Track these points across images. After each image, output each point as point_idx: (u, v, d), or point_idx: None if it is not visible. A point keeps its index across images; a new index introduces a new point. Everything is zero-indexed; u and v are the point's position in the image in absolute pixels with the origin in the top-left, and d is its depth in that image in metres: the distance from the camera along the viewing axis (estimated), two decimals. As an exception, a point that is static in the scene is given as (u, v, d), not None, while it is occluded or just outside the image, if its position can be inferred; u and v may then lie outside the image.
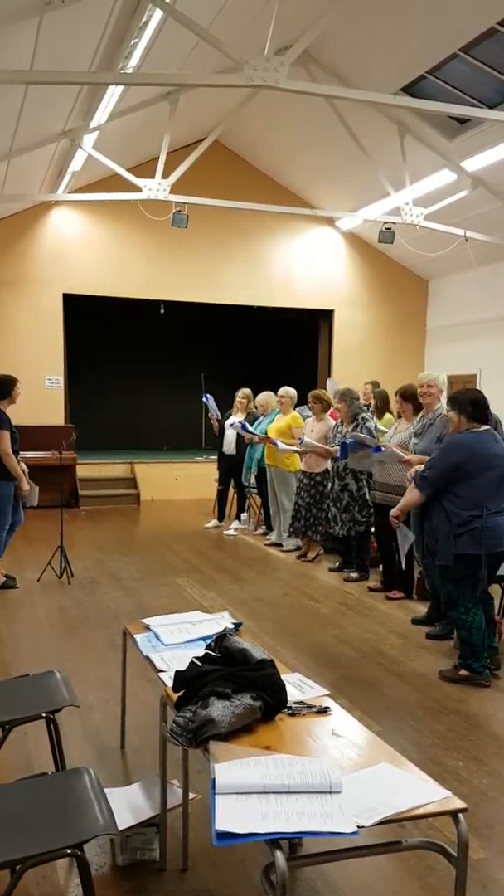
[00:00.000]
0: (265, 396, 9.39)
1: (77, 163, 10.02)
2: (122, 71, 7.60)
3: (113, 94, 8.02)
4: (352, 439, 7.02)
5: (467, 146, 9.58)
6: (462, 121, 9.46)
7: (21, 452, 6.81)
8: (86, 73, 7.44)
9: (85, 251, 12.34)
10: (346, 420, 7.37)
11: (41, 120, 8.53)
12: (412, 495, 4.86)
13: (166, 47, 7.60)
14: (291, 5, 6.54)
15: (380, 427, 7.47)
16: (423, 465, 4.86)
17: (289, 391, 8.76)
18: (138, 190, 9.39)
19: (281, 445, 8.30)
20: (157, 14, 6.71)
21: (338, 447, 7.29)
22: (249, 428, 8.90)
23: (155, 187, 9.35)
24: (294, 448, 8.22)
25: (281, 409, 8.79)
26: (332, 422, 7.95)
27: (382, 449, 6.16)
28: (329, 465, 7.77)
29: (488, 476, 4.49)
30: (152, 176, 9.33)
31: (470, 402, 4.65)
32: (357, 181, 11.38)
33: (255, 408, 9.57)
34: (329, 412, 8.10)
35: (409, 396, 6.43)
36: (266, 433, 8.67)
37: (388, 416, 8.09)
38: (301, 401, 8.79)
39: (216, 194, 10.36)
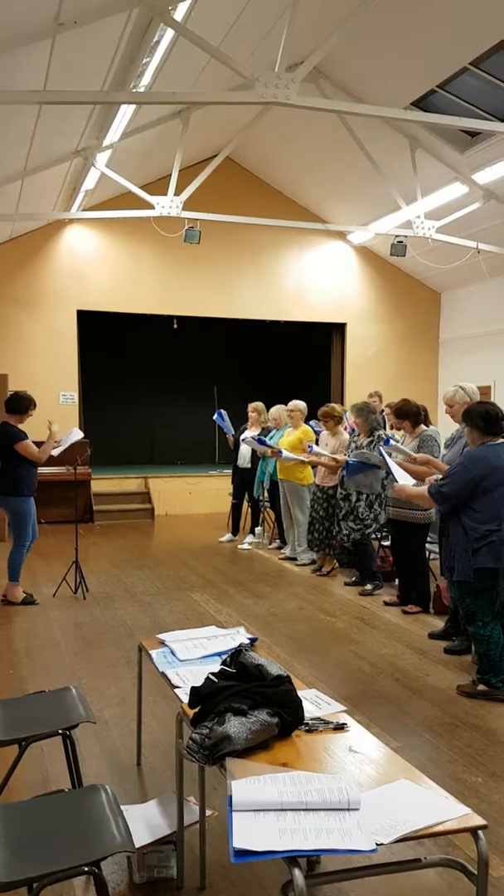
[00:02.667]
0: (277, 410, 9.40)
1: (90, 181, 10.11)
2: (134, 90, 7.68)
3: (125, 112, 8.11)
4: (355, 460, 7.01)
5: (478, 159, 9.60)
6: (473, 134, 9.49)
7: (37, 468, 6.89)
8: (98, 92, 7.52)
9: (99, 268, 12.44)
10: (364, 433, 7.34)
11: (55, 139, 8.63)
12: (422, 497, 4.83)
13: (178, 65, 7.68)
14: (302, 22, 6.59)
15: (397, 438, 7.45)
16: (437, 474, 4.84)
17: (298, 404, 8.76)
18: (151, 207, 9.47)
19: (285, 454, 8.30)
20: (169, 33, 6.79)
21: (347, 460, 7.29)
22: (265, 440, 8.89)
23: (168, 204, 9.43)
24: (300, 457, 8.20)
25: (291, 422, 8.79)
26: (346, 436, 7.95)
27: (392, 469, 5.90)
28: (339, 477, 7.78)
29: None
30: (165, 193, 9.41)
31: (481, 417, 4.62)
32: (368, 195, 11.42)
33: (268, 421, 9.58)
34: (343, 425, 8.10)
35: (402, 414, 6.45)
36: (278, 446, 8.67)
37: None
38: (311, 416, 8.79)
39: (228, 210, 10.43)
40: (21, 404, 6.83)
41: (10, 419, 6.81)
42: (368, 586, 7.29)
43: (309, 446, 7.99)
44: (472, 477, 4.47)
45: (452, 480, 4.56)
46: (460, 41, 8.04)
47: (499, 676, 4.61)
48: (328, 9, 7.47)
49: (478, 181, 9.93)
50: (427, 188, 10.08)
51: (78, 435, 7.22)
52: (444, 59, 8.44)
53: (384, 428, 7.78)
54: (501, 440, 4.63)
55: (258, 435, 9.17)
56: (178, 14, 6.53)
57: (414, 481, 5.31)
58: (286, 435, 8.81)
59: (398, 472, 5.36)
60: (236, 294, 13.13)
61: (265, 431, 9.36)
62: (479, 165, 9.66)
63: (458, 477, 4.54)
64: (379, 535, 7.66)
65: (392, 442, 7.08)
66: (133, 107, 7.97)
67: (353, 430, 7.78)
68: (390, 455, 6.13)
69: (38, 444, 6.89)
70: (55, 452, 6.92)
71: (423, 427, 6.42)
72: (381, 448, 6.10)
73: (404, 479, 5.26)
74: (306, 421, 8.79)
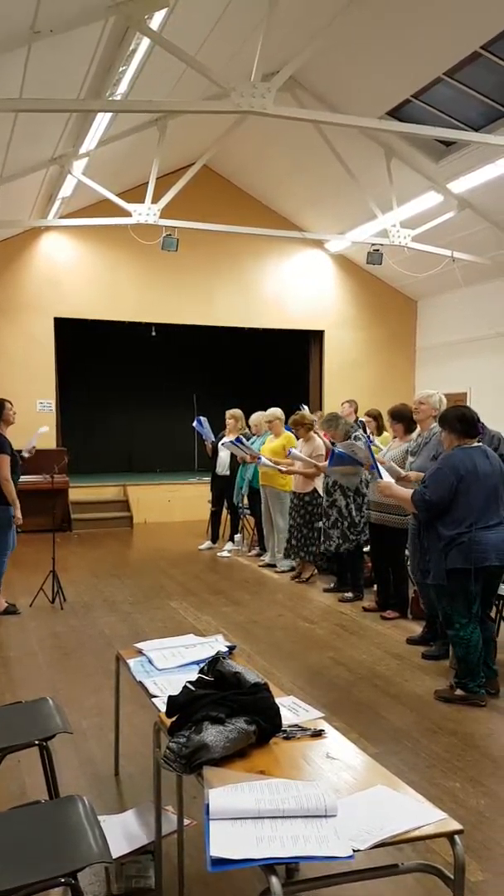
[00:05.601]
0: (258, 417, 9.42)
1: (67, 189, 10.09)
2: (110, 98, 7.69)
3: (102, 120, 8.10)
4: (342, 450, 6.99)
5: (453, 168, 9.70)
6: (447, 143, 9.59)
7: (19, 475, 6.84)
8: (75, 100, 7.52)
9: (76, 276, 12.40)
10: (340, 441, 7.35)
11: (31, 147, 8.61)
12: (405, 500, 4.84)
13: (154, 74, 7.69)
14: (278, 32, 6.65)
15: (377, 443, 7.47)
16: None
17: (276, 412, 8.79)
18: (128, 215, 9.47)
19: (263, 460, 8.32)
20: (145, 42, 6.80)
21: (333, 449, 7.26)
22: (245, 441, 8.87)
23: (145, 212, 9.43)
24: (277, 467, 8.21)
25: (272, 430, 8.80)
26: (319, 441, 7.97)
27: (379, 467, 5.92)
28: (319, 483, 7.78)
29: (477, 492, 4.50)
30: (142, 201, 9.41)
31: (458, 419, 4.67)
32: (345, 204, 11.50)
33: (245, 428, 9.58)
34: (323, 433, 8.12)
35: (399, 416, 6.45)
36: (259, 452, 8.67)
37: (385, 434, 8.11)
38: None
39: (206, 218, 10.45)
40: None
41: None
42: (348, 594, 7.31)
43: (289, 451, 8.00)
44: (451, 483, 4.50)
45: (434, 487, 4.56)
46: (435, 51, 8.13)
47: (476, 681, 4.63)
48: (304, 19, 7.53)
49: (452, 190, 10.03)
50: (402, 197, 10.17)
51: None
52: (418, 69, 8.53)
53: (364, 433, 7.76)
54: (476, 443, 4.68)
55: (234, 440, 9.17)
56: (155, 23, 6.54)
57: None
58: (268, 442, 8.82)
59: (383, 471, 5.37)
60: (215, 301, 13.14)
61: (245, 438, 9.36)
62: (453, 175, 9.75)
63: (439, 483, 4.55)
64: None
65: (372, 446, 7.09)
66: (110, 115, 7.97)
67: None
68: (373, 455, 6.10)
69: (19, 451, 6.86)
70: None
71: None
72: (370, 444, 6.04)
73: (389, 478, 5.28)
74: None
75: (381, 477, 5.24)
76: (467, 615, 4.59)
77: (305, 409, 8.86)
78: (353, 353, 14.12)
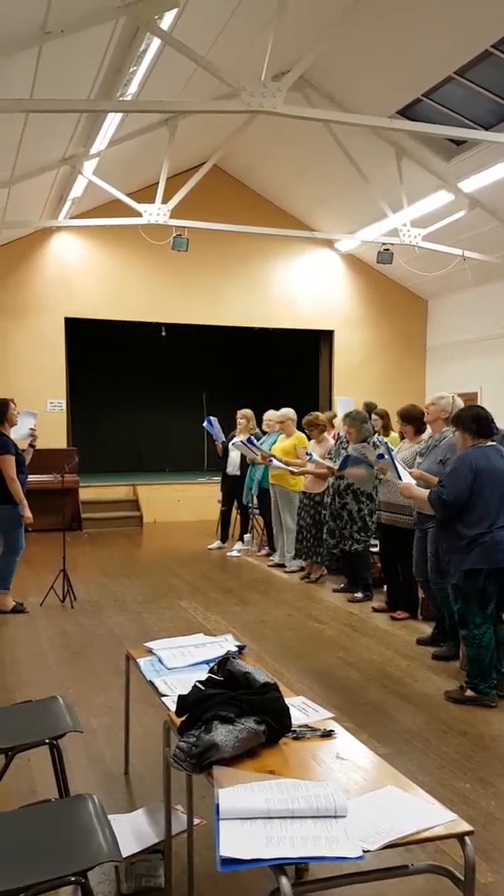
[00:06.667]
0: (270, 415, 9.39)
1: (78, 189, 10.12)
2: (121, 98, 7.70)
3: (112, 121, 8.12)
4: (354, 453, 6.98)
5: (464, 167, 9.67)
6: (458, 142, 9.55)
7: (27, 475, 6.86)
8: (85, 100, 7.54)
9: (86, 276, 12.43)
10: (354, 442, 7.30)
11: (42, 147, 8.63)
12: (422, 500, 4.80)
13: (164, 74, 7.70)
14: (288, 32, 6.64)
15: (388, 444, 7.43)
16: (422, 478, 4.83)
17: (287, 412, 8.78)
18: (138, 215, 9.48)
19: (275, 462, 8.31)
20: (155, 42, 6.80)
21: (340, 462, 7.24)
22: (255, 441, 8.87)
23: (155, 212, 9.44)
24: (288, 468, 8.20)
25: (283, 430, 8.79)
26: (332, 442, 7.97)
27: (399, 470, 5.76)
28: (329, 483, 7.77)
29: (493, 490, 4.48)
30: (152, 201, 9.42)
31: (473, 419, 4.66)
32: (355, 203, 11.48)
33: (255, 429, 9.58)
34: (331, 433, 8.11)
35: (409, 418, 6.41)
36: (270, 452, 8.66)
37: (392, 434, 8.09)
38: (297, 424, 8.78)
39: (216, 218, 10.45)
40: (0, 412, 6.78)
41: (1, 428, 6.76)
42: (358, 594, 7.29)
43: (308, 454, 7.94)
44: (469, 482, 4.47)
45: (451, 486, 4.51)
46: (445, 50, 8.10)
47: (487, 682, 4.62)
48: (314, 18, 7.52)
49: (463, 189, 10.00)
50: (413, 196, 10.14)
51: (30, 417, 7.08)
52: (429, 68, 8.50)
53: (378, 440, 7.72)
54: (491, 442, 4.66)
55: (245, 440, 9.16)
56: (165, 23, 6.55)
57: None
58: (279, 441, 8.81)
59: (403, 473, 5.31)
60: (224, 301, 13.15)
61: (255, 437, 9.36)
62: (464, 174, 9.72)
63: (456, 482, 4.51)
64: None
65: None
66: (120, 115, 7.99)
67: (340, 436, 7.78)
68: (388, 482, 6.07)
69: (24, 450, 6.89)
70: (14, 436, 6.81)
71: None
72: (386, 449, 5.96)
73: (408, 479, 5.24)
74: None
75: (400, 479, 5.20)
76: (482, 616, 4.57)
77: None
78: (362, 352, 14.10)
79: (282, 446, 8.64)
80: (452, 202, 10.27)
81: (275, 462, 8.32)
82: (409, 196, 10.02)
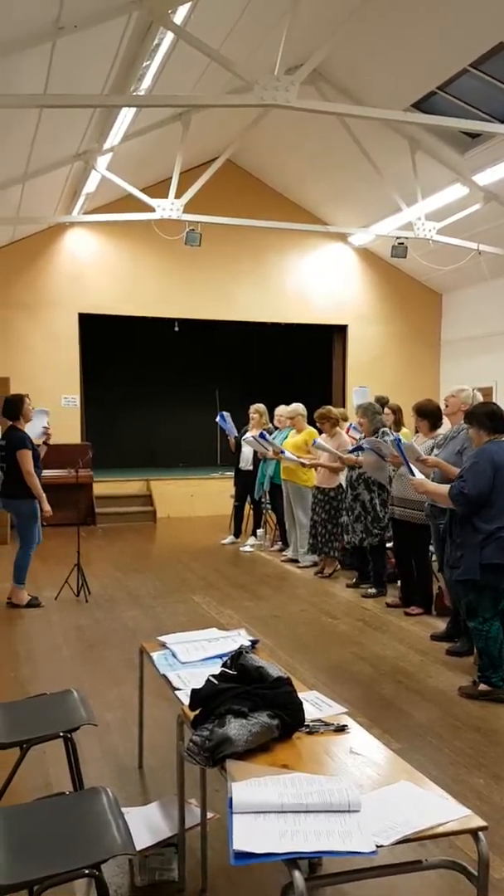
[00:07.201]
0: (281, 411, 9.40)
1: (91, 184, 10.13)
2: (134, 93, 7.70)
3: (126, 115, 8.12)
4: (368, 446, 6.96)
5: (479, 160, 9.60)
6: (473, 135, 9.49)
7: (42, 470, 6.90)
8: (99, 95, 7.54)
9: (100, 271, 12.46)
10: (368, 434, 7.31)
11: (55, 143, 8.65)
12: (442, 495, 4.77)
13: (177, 69, 7.69)
14: (301, 25, 6.60)
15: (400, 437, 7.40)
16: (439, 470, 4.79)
17: (297, 408, 8.77)
18: (152, 210, 9.48)
19: (287, 454, 8.30)
20: (169, 37, 6.80)
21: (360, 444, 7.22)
22: (267, 437, 8.88)
23: (168, 207, 9.43)
24: (300, 460, 8.20)
25: (294, 425, 8.79)
26: (345, 436, 7.96)
27: (411, 466, 5.68)
28: (342, 478, 7.76)
29: None
30: (165, 196, 9.41)
31: (487, 416, 4.64)
32: (369, 197, 11.43)
33: (268, 423, 9.58)
34: (346, 429, 8.09)
35: (425, 413, 6.37)
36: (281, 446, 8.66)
37: (404, 430, 8.08)
38: (309, 419, 8.77)
39: (229, 212, 10.43)
40: (12, 409, 6.82)
41: (16, 424, 6.81)
42: (371, 589, 7.28)
43: (314, 440, 7.96)
44: (489, 474, 4.44)
45: (473, 481, 4.46)
46: (460, 43, 8.04)
47: (499, 674, 4.61)
48: (327, 11, 7.48)
49: (478, 182, 9.93)
50: (427, 190, 10.08)
51: (42, 415, 7.09)
52: (443, 60, 8.44)
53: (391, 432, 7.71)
54: (506, 438, 4.63)
55: (257, 434, 9.17)
56: (178, 17, 6.54)
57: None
58: (290, 437, 8.81)
59: (416, 469, 5.27)
60: (237, 296, 13.14)
61: (268, 433, 9.36)
62: (479, 167, 9.66)
63: (477, 476, 4.46)
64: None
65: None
66: (133, 110, 7.99)
67: (354, 426, 7.77)
68: (401, 476, 6.04)
69: (39, 446, 6.92)
70: (32, 434, 6.86)
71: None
72: (399, 442, 5.92)
73: (422, 476, 5.21)
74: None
75: (413, 475, 5.16)
76: (492, 610, 4.56)
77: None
78: (376, 347, 14.05)
79: (292, 441, 8.63)
80: (467, 195, 10.20)
81: (286, 453, 8.32)
82: (423, 189, 9.97)
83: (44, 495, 6.70)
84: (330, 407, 8.36)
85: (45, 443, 7.07)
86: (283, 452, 8.40)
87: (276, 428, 9.43)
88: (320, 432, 8.33)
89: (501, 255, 11.04)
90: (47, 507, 6.71)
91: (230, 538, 10.15)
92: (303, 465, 8.24)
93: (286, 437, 8.92)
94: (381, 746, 2.49)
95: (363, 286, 14.00)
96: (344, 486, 7.71)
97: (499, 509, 4.46)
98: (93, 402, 13.57)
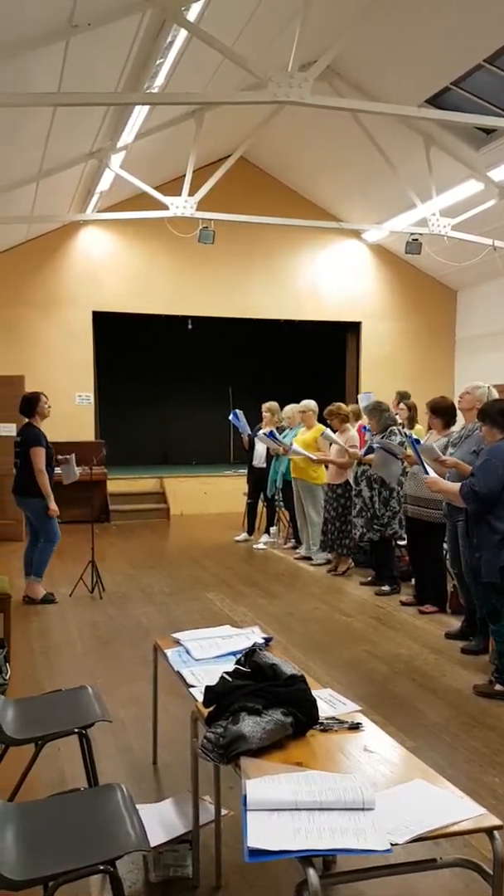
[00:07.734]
0: (291, 409, 9.40)
1: (105, 182, 10.14)
2: (147, 90, 7.70)
3: (139, 113, 8.12)
4: (379, 445, 6.96)
5: (494, 156, 9.53)
6: (488, 131, 9.43)
7: (54, 468, 6.95)
8: (112, 93, 7.54)
9: (114, 269, 12.48)
10: (377, 432, 7.32)
11: (69, 141, 8.66)
12: (453, 494, 4.75)
13: (191, 66, 7.69)
14: (314, 21, 6.58)
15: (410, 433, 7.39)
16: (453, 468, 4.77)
17: (309, 404, 8.77)
18: (165, 208, 9.48)
19: (294, 447, 8.30)
20: (182, 34, 6.80)
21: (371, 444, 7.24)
22: (277, 435, 8.89)
23: (182, 205, 9.43)
24: (309, 454, 8.19)
25: (304, 422, 8.79)
26: (354, 432, 7.96)
27: (425, 464, 5.66)
28: (350, 475, 7.75)
29: None
30: (179, 193, 9.41)
31: (500, 413, 4.60)
32: (383, 193, 11.38)
33: (282, 421, 9.59)
34: (357, 425, 8.08)
35: (439, 410, 6.33)
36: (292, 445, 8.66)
37: (418, 427, 8.04)
38: (319, 417, 8.75)
39: (242, 210, 10.42)
40: (29, 406, 6.88)
41: (33, 421, 6.87)
42: (385, 587, 7.27)
43: (323, 431, 7.97)
44: (501, 472, 4.40)
45: (484, 479, 4.43)
46: (474, 38, 7.99)
47: (516, 676, 4.58)
48: (341, 7, 7.45)
49: (493, 178, 9.85)
50: (442, 186, 10.03)
51: (73, 472, 7.27)
52: (457, 56, 8.39)
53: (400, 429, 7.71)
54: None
55: (269, 432, 9.18)
56: (192, 14, 6.54)
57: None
58: (300, 434, 8.81)
59: (429, 468, 5.25)
60: (250, 294, 13.13)
61: (279, 431, 9.37)
62: (494, 162, 9.59)
63: (488, 474, 4.43)
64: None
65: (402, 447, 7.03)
66: (147, 108, 7.99)
67: (366, 428, 7.77)
68: (414, 475, 6.02)
69: (53, 444, 6.96)
70: (72, 477, 7.17)
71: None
72: (414, 441, 5.90)
73: (435, 474, 5.18)
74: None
75: (427, 473, 5.13)
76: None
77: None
78: (390, 344, 14.00)
79: (303, 438, 8.63)
80: (482, 191, 10.13)
81: (295, 447, 8.31)
82: (437, 185, 9.91)
83: (51, 494, 6.75)
84: (340, 404, 8.35)
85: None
86: (291, 446, 8.40)
87: (287, 426, 9.42)
88: (332, 429, 8.32)
89: (517, 252, 10.96)
90: (53, 507, 6.76)
91: (243, 535, 10.16)
92: (312, 459, 8.23)
93: (296, 434, 8.92)
94: (395, 744, 2.48)
95: (377, 283, 13.95)
96: (351, 482, 7.71)
97: None
98: (107, 399, 13.60)
